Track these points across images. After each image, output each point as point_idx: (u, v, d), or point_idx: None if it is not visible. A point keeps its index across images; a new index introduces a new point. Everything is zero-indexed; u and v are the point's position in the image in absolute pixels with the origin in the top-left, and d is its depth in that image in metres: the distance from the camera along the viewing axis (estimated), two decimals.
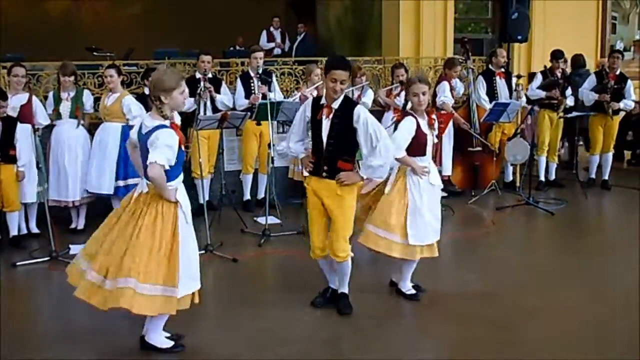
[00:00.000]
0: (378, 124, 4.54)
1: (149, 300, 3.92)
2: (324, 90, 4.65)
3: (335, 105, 4.52)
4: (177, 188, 4.03)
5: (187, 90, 4.07)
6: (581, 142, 10.57)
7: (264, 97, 7.58)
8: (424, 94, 4.84)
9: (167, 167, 3.88)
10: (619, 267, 5.92)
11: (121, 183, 6.95)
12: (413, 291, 5.15)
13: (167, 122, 3.95)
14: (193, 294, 4.18)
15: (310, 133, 4.71)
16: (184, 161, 4.18)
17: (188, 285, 4.08)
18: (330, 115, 4.53)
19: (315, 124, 4.61)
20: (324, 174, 4.60)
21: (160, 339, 4.23)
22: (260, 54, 7.99)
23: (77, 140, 7.11)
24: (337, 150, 4.56)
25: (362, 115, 4.46)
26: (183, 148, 4.03)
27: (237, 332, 4.56)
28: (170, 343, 4.23)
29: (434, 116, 5.02)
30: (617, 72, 9.00)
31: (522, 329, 4.59)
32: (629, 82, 9.01)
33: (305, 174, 4.80)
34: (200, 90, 7.60)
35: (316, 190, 4.65)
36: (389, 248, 4.92)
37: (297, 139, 4.78)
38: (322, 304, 4.93)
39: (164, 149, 3.85)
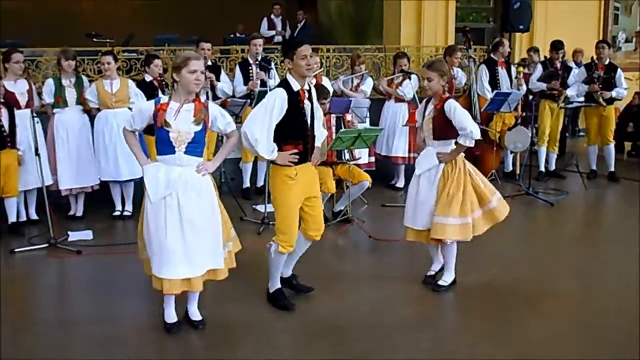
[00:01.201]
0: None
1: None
2: (289, 76, 4.46)
3: (307, 86, 4.53)
4: (157, 164, 4.16)
5: (199, 71, 4.08)
6: (582, 133, 10.57)
7: (263, 83, 7.58)
8: (429, 79, 4.86)
9: (129, 129, 4.29)
10: (619, 259, 5.91)
11: None
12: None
13: (163, 97, 4.24)
14: (162, 281, 4.15)
15: (286, 123, 4.43)
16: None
17: (163, 269, 4.11)
18: (306, 97, 4.50)
19: (298, 112, 4.45)
20: (310, 158, 4.61)
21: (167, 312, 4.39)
22: (260, 41, 7.98)
23: (85, 126, 7.13)
24: (314, 130, 4.62)
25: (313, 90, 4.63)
26: (166, 128, 4.08)
27: (235, 320, 4.56)
28: (173, 320, 4.36)
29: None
30: (606, 62, 8.99)
31: (520, 319, 4.59)
32: (619, 71, 9.00)
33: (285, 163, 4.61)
34: None
35: (303, 178, 4.54)
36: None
37: (270, 136, 4.42)
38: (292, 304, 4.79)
39: (134, 112, 4.34)
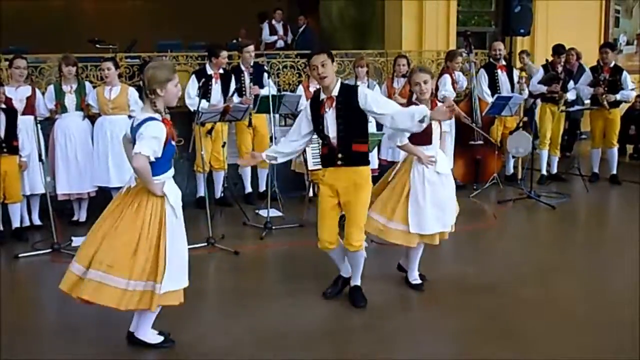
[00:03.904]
0: (381, 96, 4.89)
1: (121, 294, 3.90)
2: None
3: (335, 92, 4.56)
4: (165, 182, 3.99)
5: (179, 82, 4.09)
6: (584, 136, 10.58)
7: (256, 97, 7.59)
8: (425, 82, 4.89)
9: (152, 159, 3.87)
10: (620, 262, 5.92)
11: None
12: (419, 281, 5.19)
13: (157, 116, 3.93)
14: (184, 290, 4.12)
15: (315, 131, 4.71)
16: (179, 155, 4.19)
17: (176, 281, 4.02)
18: (333, 104, 4.55)
19: (318, 119, 4.62)
20: (339, 162, 4.61)
21: (150, 334, 4.21)
22: (251, 47, 7.99)
23: (85, 132, 7.14)
24: (349, 135, 4.59)
25: (368, 94, 4.58)
26: (174, 143, 4.02)
27: (238, 324, 4.58)
28: (160, 338, 4.21)
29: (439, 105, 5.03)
30: (611, 65, 9.02)
31: (521, 322, 4.60)
32: (625, 73, 9.03)
33: (314, 167, 4.82)
34: (210, 86, 7.57)
35: (332, 182, 4.65)
36: (389, 234, 4.99)
37: (292, 138, 4.79)
38: (334, 294, 4.96)
39: (150, 140, 3.84)
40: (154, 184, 3.94)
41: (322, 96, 4.61)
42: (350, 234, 4.66)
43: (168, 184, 4.02)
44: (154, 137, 3.85)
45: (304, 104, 5.01)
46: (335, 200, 4.69)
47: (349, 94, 4.57)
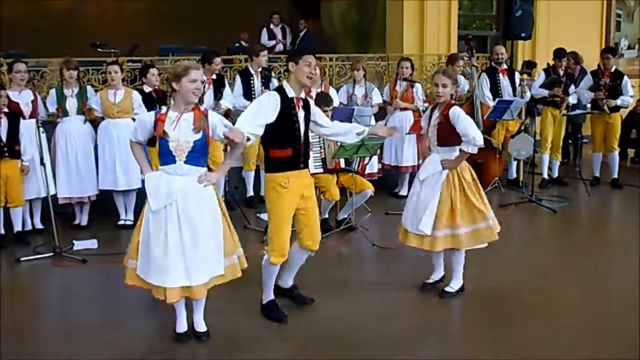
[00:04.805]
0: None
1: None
2: (286, 83, 4.57)
3: (302, 95, 4.59)
4: (156, 171, 4.22)
5: (199, 80, 4.13)
6: (585, 140, 10.60)
7: None
8: (444, 85, 4.89)
9: (133, 139, 4.33)
10: (620, 266, 5.93)
11: None
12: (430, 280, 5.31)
13: (161, 109, 4.23)
14: (165, 289, 4.12)
15: (276, 128, 4.47)
16: None
17: (147, 271, 4.14)
18: (301, 105, 4.56)
19: (289, 118, 4.49)
20: (302, 165, 4.61)
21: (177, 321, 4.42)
22: (266, 52, 8.03)
23: (86, 136, 7.16)
24: (307, 139, 4.65)
25: (315, 107, 4.75)
26: (167, 139, 4.09)
27: (238, 327, 4.59)
28: (182, 329, 4.39)
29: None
30: (612, 70, 9.03)
31: (522, 326, 4.60)
32: (625, 78, 9.03)
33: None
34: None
35: (297, 187, 4.55)
36: None
37: (259, 122, 4.40)
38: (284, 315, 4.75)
39: (134, 126, 4.36)
40: (142, 165, 4.40)
41: (292, 94, 4.50)
42: (316, 234, 4.70)
43: (156, 175, 4.19)
44: (136, 124, 4.37)
45: None
46: (294, 207, 4.62)
47: (307, 101, 4.65)
